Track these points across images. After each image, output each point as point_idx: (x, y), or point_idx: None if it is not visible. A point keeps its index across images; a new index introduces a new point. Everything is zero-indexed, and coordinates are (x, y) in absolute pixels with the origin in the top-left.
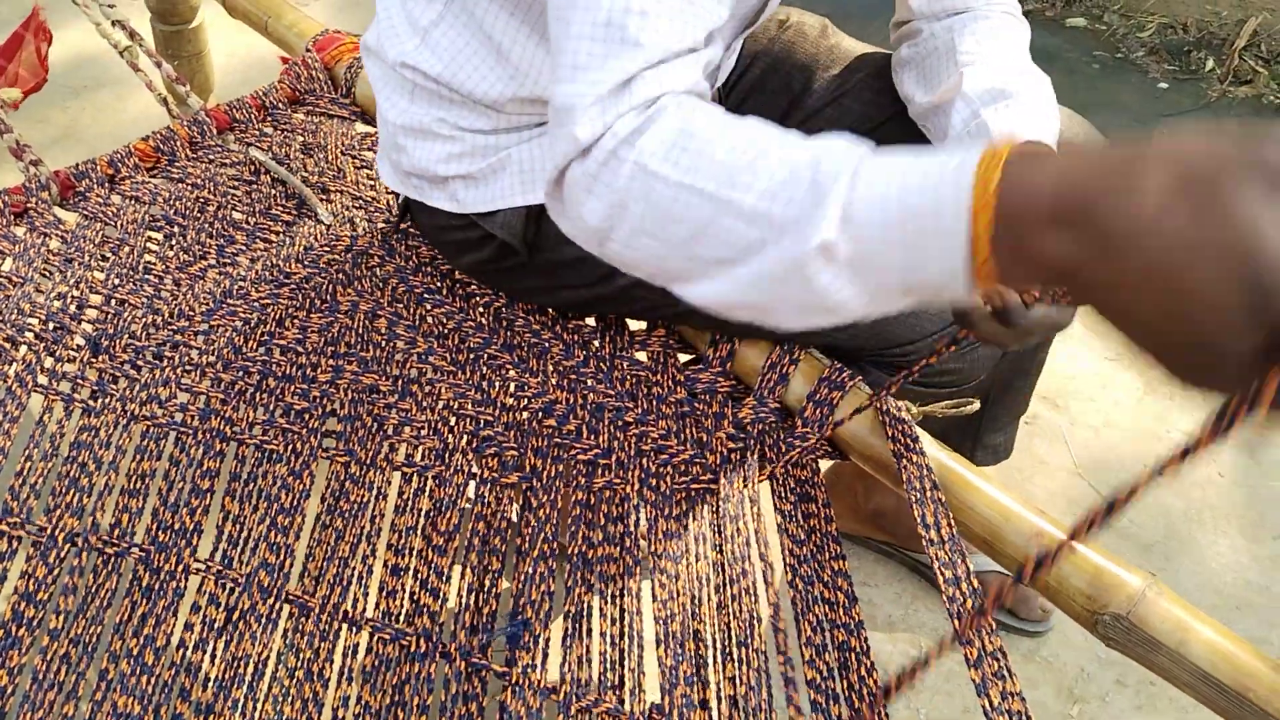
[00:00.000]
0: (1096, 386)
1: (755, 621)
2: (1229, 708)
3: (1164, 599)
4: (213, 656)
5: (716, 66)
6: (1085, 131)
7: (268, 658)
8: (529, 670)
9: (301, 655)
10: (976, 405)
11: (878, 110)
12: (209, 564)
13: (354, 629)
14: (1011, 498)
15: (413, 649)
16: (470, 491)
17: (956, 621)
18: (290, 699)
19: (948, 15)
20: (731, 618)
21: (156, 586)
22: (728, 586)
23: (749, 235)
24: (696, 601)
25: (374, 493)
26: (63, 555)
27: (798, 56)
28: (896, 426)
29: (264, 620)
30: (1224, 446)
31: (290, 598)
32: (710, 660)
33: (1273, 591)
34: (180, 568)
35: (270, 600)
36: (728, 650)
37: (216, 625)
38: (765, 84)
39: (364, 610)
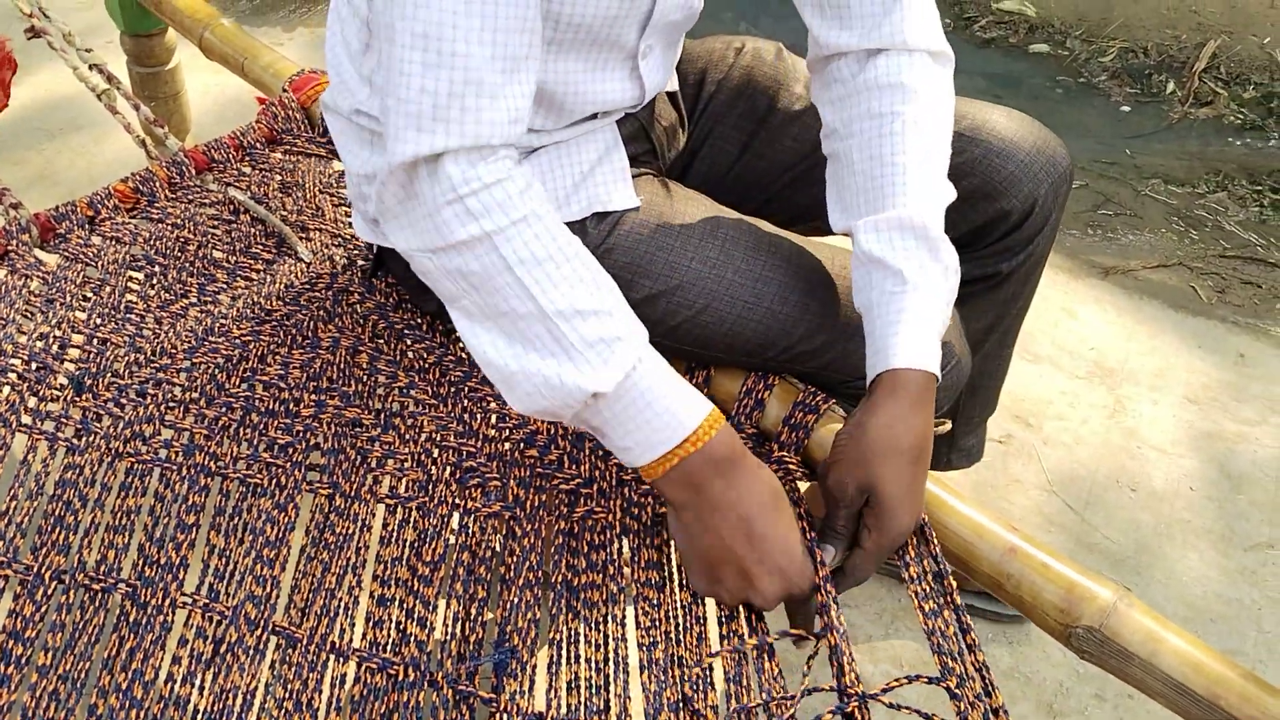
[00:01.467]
0: (1067, 405)
1: (741, 653)
2: (1201, 716)
3: (1135, 611)
4: (201, 689)
5: (635, 68)
6: (1043, 139)
7: (256, 689)
8: (516, 697)
9: (289, 686)
10: (948, 426)
11: None
12: (195, 598)
13: (341, 659)
14: (984, 515)
15: (400, 678)
16: (454, 522)
17: (938, 657)
18: None
19: (866, 53)
20: (714, 641)
21: (144, 621)
22: (710, 614)
23: (545, 342)
24: (680, 628)
25: (359, 525)
26: (50, 593)
27: (758, 80)
28: None
29: (251, 652)
30: (1192, 460)
31: (277, 629)
32: (695, 685)
33: (1243, 603)
34: (167, 602)
35: (257, 632)
36: (710, 679)
37: (204, 658)
38: (731, 110)
39: (351, 641)
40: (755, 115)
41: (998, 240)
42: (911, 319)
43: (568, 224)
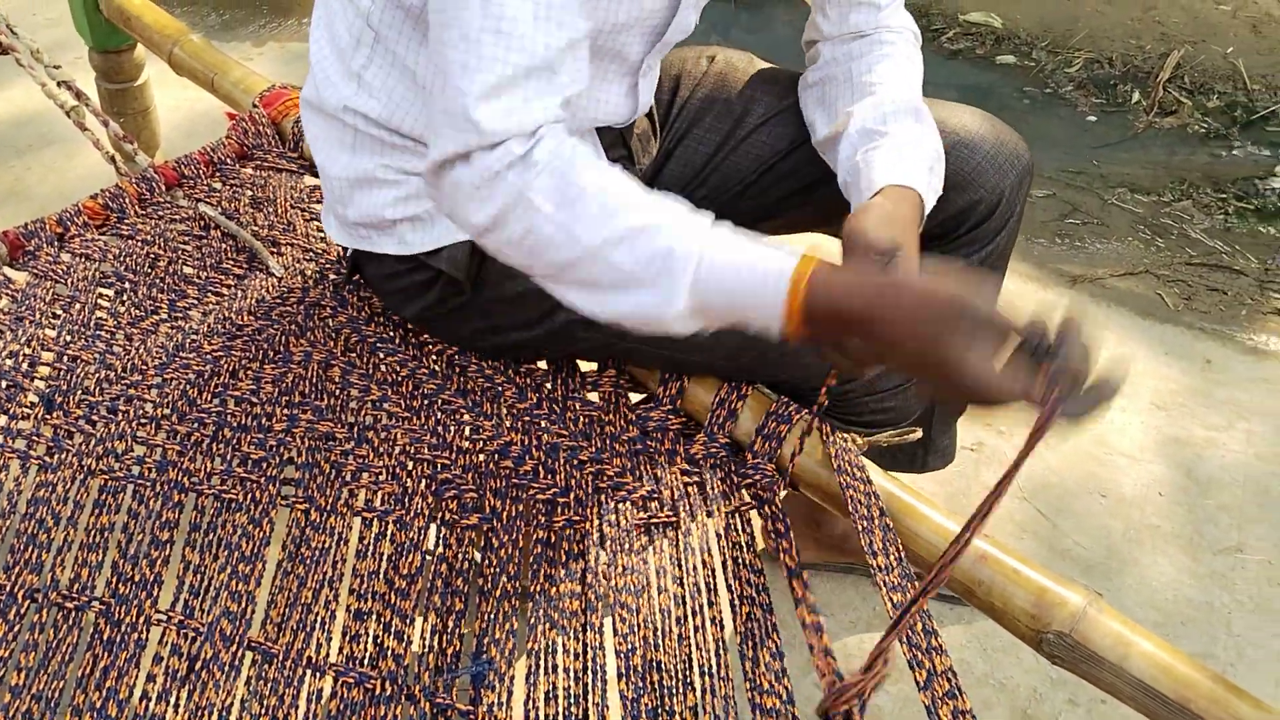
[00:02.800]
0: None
1: (721, 650)
2: (1171, 718)
3: (1105, 615)
4: (176, 707)
5: (635, 85)
6: (1005, 133)
7: (231, 705)
8: (494, 708)
9: (265, 702)
10: (919, 434)
11: (803, 128)
12: (170, 614)
13: (318, 674)
14: (955, 522)
15: (377, 692)
16: (431, 534)
17: (906, 648)
18: None
19: (853, 38)
20: (694, 648)
21: (118, 639)
22: (690, 618)
23: (612, 279)
24: (658, 634)
25: (335, 538)
26: (23, 611)
27: (731, 84)
28: (843, 458)
29: (227, 668)
30: (1161, 466)
31: (253, 645)
32: (674, 690)
33: (1213, 607)
34: (141, 619)
35: (233, 648)
36: (689, 680)
37: (179, 675)
38: (706, 114)
39: (328, 655)
40: (730, 118)
41: (967, 232)
42: (914, 160)
43: None
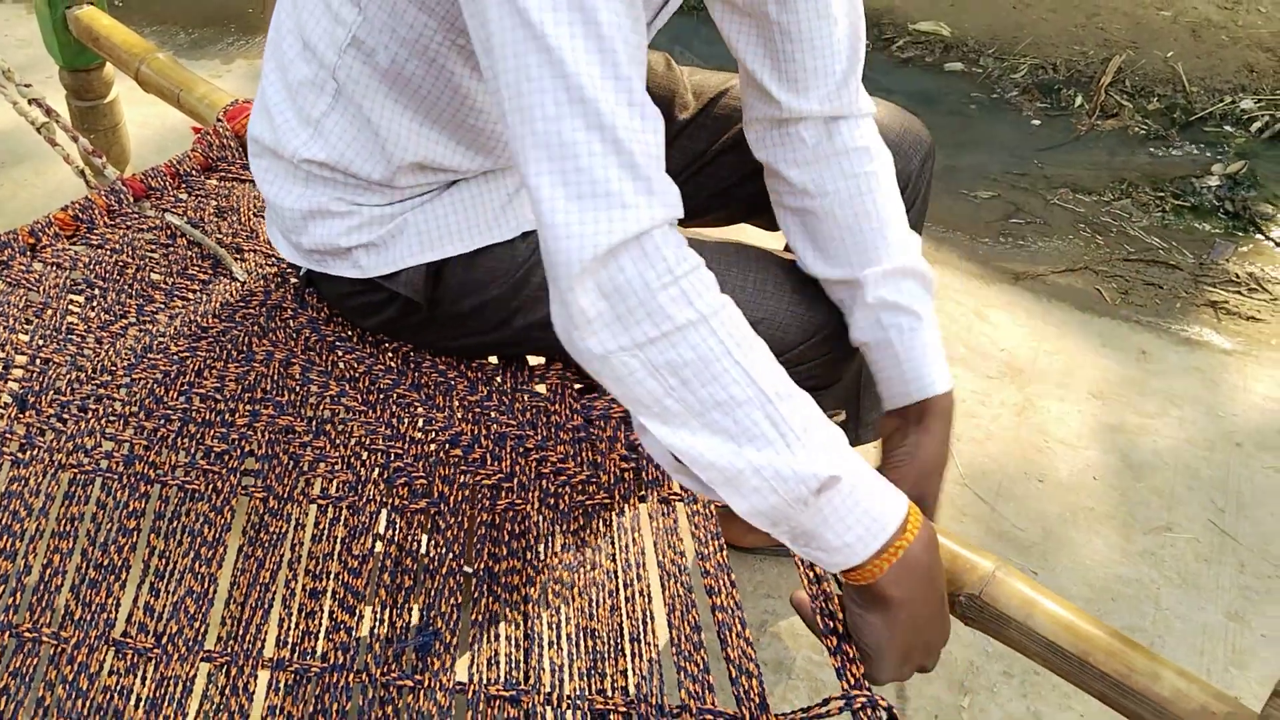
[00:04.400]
0: (978, 403)
1: (649, 619)
2: (1072, 672)
3: (1011, 578)
4: (144, 679)
5: None
6: (908, 120)
7: (195, 676)
8: (440, 674)
9: (229, 674)
10: (843, 416)
11: (721, 132)
12: (136, 597)
13: (276, 646)
14: None
15: (331, 662)
16: (382, 519)
17: (821, 619)
18: (218, 714)
19: (825, 119)
20: (624, 618)
21: (88, 618)
22: (622, 590)
23: (761, 430)
24: (593, 604)
25: (291, 524)
26: None
27: (651, 91)
28: None
29: (191, 643)
30: (1096, 451)
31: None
32: (605, 654)
33: (1143, 583)
34: (111, 601)
35: (196, 625)
36: (621, 646)
37: (144, 650)
38: None
39: (287, 629)
40: None
41: None
42: (934, 349)
43: (498, 244)
